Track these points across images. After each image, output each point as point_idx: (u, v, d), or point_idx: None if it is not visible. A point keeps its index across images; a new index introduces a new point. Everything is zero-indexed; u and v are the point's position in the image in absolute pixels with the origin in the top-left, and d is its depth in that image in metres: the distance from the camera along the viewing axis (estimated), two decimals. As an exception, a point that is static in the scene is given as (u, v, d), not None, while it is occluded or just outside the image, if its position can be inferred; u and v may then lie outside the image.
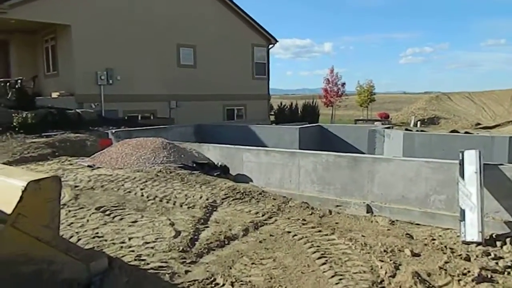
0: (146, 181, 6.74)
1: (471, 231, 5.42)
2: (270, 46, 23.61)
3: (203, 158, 8.91)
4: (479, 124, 34.40)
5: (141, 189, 6.27)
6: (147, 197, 5.91)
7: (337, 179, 7.26)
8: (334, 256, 4.01)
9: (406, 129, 16.68)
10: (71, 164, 8.60)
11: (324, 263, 3.84)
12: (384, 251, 4.15)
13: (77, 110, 14.94)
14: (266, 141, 12.05)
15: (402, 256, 4.07)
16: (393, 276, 3.60)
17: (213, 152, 9.04)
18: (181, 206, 5.56)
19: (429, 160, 6.35)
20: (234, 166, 8.64)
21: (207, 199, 5.82)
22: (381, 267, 3.76)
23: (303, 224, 4.97)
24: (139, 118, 17.95)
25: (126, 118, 17.18)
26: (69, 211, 5.22)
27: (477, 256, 4.79)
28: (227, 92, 21.20)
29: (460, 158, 5.95)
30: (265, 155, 8.18)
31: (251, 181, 8.42)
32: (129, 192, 6.12)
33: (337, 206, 7.16)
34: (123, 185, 6.52)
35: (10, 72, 18.64)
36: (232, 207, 5.57)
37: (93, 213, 5.14)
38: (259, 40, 22.88)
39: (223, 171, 8.50)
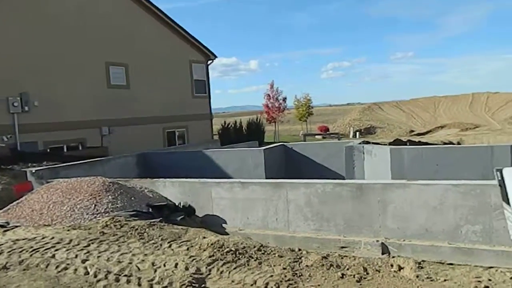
0: (89, 245, 4.73)
1: (534, 272, 4.24)
2: (209, 62, 22.08)
3: (159, 198, 7.00)
4: (412, 131, 35.71)
5: (83, 261, 4.27)
6: (95, 274, 3.95)
7: (338, 213, 5.82)
8: None
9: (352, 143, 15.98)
10: (-27, 224, 6.19)
11: None
12: None
13: (-16, 146, 12.07)
14: (225, 167, 10.36)
15: None
16: None
17: (171, 189, 7.16)
18: (150, 287, 3.69)
19: (457, 183, 5.15)
20: (201, 205, 6.86)
21: (186, 268, 4.01)
22: None
23: (342, 298, 3.40)
24: (65, 149, 15.27)
25: (48, 150, 14.43)
26: (-36, 323, 3.13)
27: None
28: (166, 113, 19.18)
29: (499, 178, 4.82)
30: (241, 189, 6.52)
31: (225, 222, 6.70)
32: (65, 269, 4.10)
33: (343, 247, 5.71)
34: (53, 255, 4.45)
35: None
36: (227, 278, 3.83)
37: (6, 322, 3.10)
38: (197, 56, 21.25)
39: (187, 213, 6.68)
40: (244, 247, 4.42)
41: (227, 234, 6.50)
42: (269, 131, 29.08)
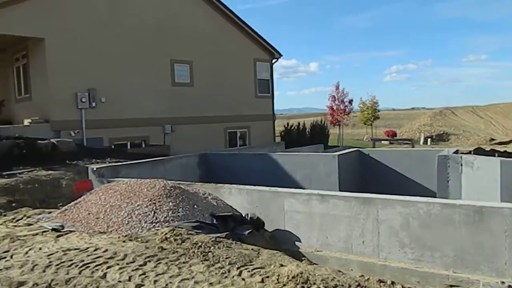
0: (145, 264, 3.99)
1: None
2: (274, 61, 21.24)
3: (224, 207, 6.19)
4: (492, 139, 32.30)
5: (137, 287, 3.52)
6: (150, 308, 3.15)
7: (447, 241, 4.61)
8: None
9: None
10: (29, 225, 5.78)
11: None
12: None
13: (52, 140, 12.15)
14: (293, 173, 9.39)
15: None
16: None
17: (237, 197, 6.33)
18: (219, 335, 2.81)
19: None
20: (271, 218, 5.95)
21: (263, 310, 3.09)
22: None
23: None
24: (129, 146, 15.20)
25: (112, 147, 14.42)
26: None
27: None
28: (229, 113, 18.63)
29: None
30: (319, 203, 5.51)
31: (298, 240, 5.73)
32: (116, 296, 3.36)
33: (452, 286, 4.49)
34: (105, 275, 3.76)
35: (-24, 97, 15.88)
36: (319, 332, 2.84)
37: None
38: (262, 55, 20.50)
39: (255, 227, 5.80)
40: (336, 286, 3.40)
41: (301, 254, 5.54)
42: (331, 134, 27.68)
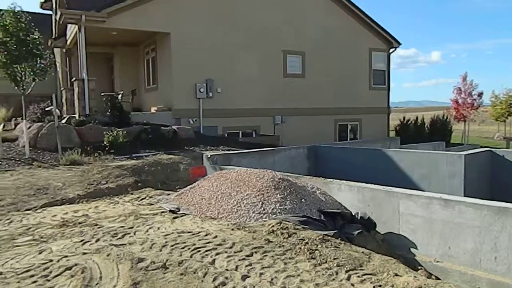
0: (251, 254, 3.99)
1: None
2: (391, 50, 19.88)
3: (332, 203, 5.93)
4: None
5: (243, 277, 3.52)
6: (255, 302, 3.11)
7: None
8: None
9: None
10: (150, 205, 6.31)
11: None
12: None
13: (173, 127, 13.21)
14: (410, 172, 8.65)
15: None
16: None
17: (347, 194, 6.02)
18: None
19: None
20: (383, 219, 5.51)
21: (374, 323, 2.80)
22: None
23: None
24: (240, 135, 15.77)
25: (226, 135, 15.11)
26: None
27: None
28: (340, 105, 18.04)
29: None
30: (441, 208, 4.90)
31: (414, 247, 5.20)
32: (223, 284, 3.40)
33: None
34: (213, 261, 3.85)
35: (115, 87, 18.12)
36: None
37: None
38: (378, 44, 19.33)
39: (365, 227, 5.44)
40: (464, 308, 2.94)
41: (417, 263, 5.03)
42: (455, 130, 24.97)
